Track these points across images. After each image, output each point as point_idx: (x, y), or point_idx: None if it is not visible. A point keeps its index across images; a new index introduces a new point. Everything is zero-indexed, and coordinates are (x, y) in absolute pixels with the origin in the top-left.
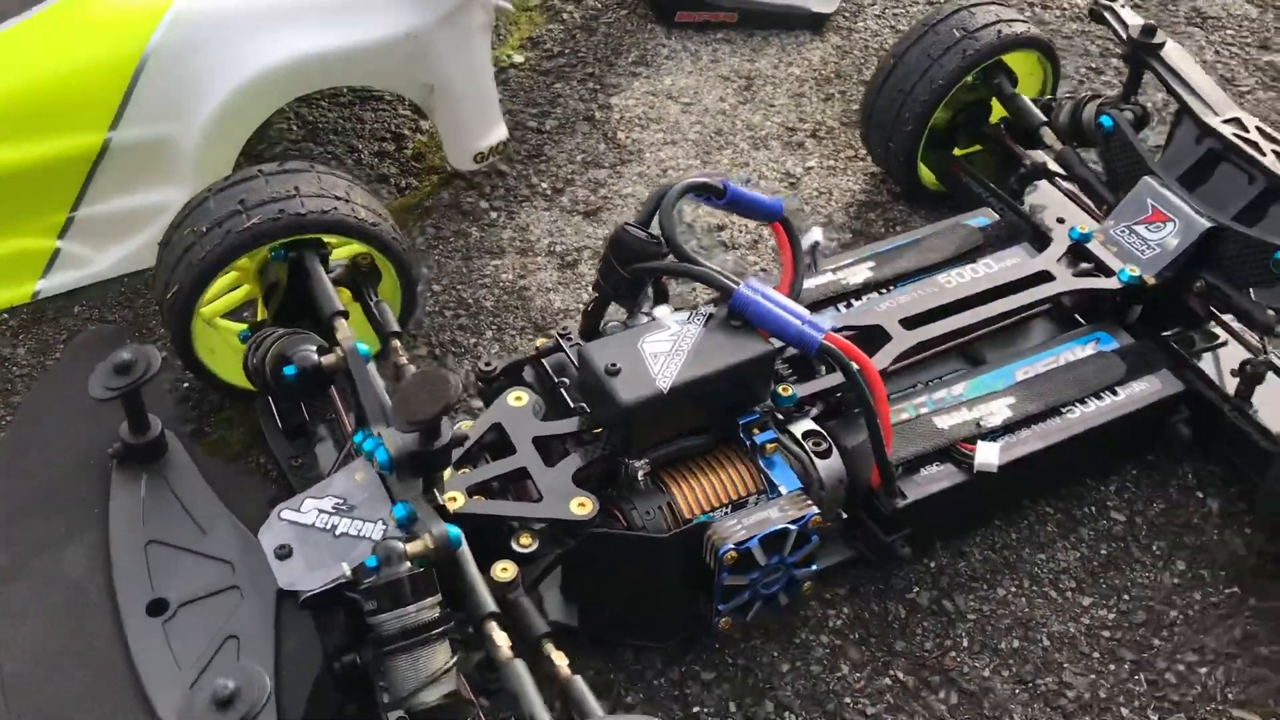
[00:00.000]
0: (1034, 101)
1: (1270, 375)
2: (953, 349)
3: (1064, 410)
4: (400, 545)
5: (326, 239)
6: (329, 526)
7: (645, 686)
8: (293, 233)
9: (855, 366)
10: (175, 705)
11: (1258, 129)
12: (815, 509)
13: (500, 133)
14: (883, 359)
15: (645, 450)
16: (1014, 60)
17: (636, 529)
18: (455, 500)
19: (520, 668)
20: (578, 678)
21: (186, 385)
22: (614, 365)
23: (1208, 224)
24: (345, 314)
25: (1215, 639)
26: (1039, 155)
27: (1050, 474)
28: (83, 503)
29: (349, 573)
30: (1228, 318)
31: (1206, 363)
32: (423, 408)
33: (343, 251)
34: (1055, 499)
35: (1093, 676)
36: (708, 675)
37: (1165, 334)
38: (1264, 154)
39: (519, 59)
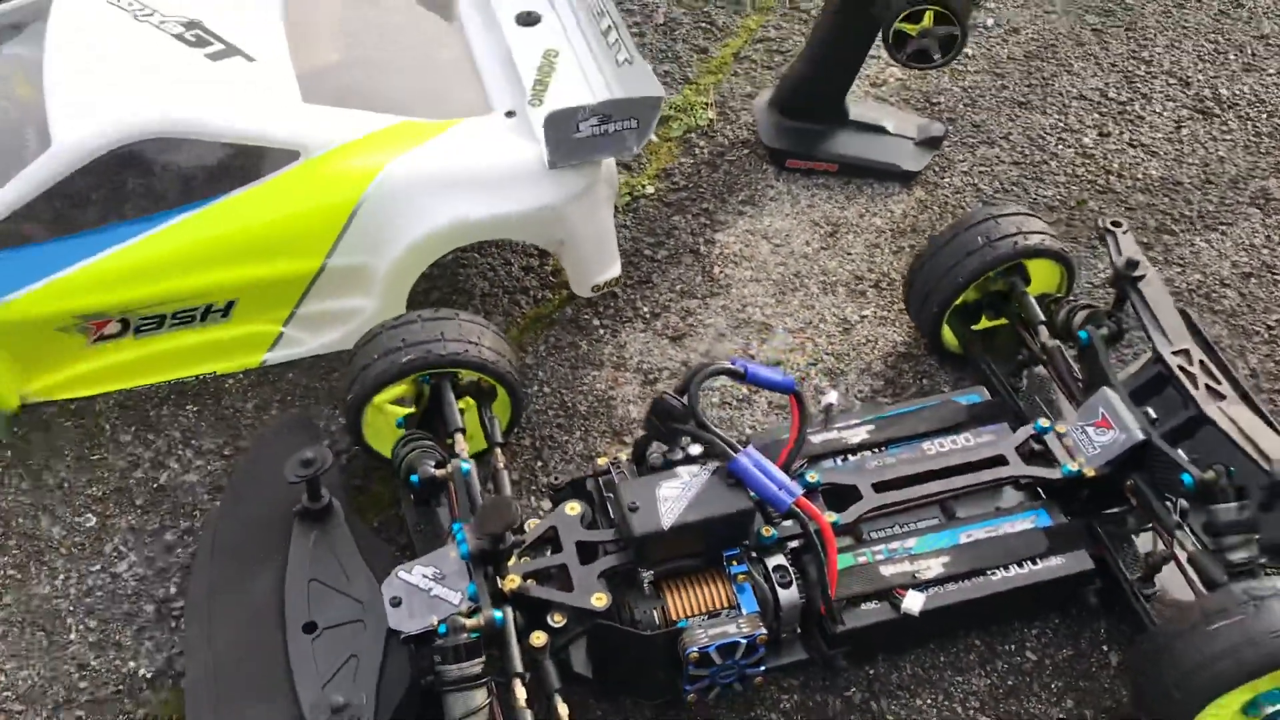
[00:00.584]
0: (1044, 297)
1: (1171, 565)
2: (921, 504)
3: (989, 572)
4: (463, 620)
5: (463, 371)
6: (427, 588)
7: None
8: (434, 367)
9: (814, 526)
10: (312, 701)
11: (1200, 363)
12: (763, 629)
13: (615, 270)
14: (849, 515)
15: (652, 565)
16: (1033, 263)
17: (634, 623)
18: (513, 582)
19: (527, 716)
20: None
21: (355, 453)
22: (634, 504)
23: (1140, 436)
24: (463, 430)
25: None
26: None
27: (970, 619)
28: (272, 547)
29: (435, 623)
30: None
31: (1140, 542)
32: (492, 525)
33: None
34: (985, 633)
35: None
36: None
37: (1109, 511)
38: (1197, 386)
39: (650, 189)
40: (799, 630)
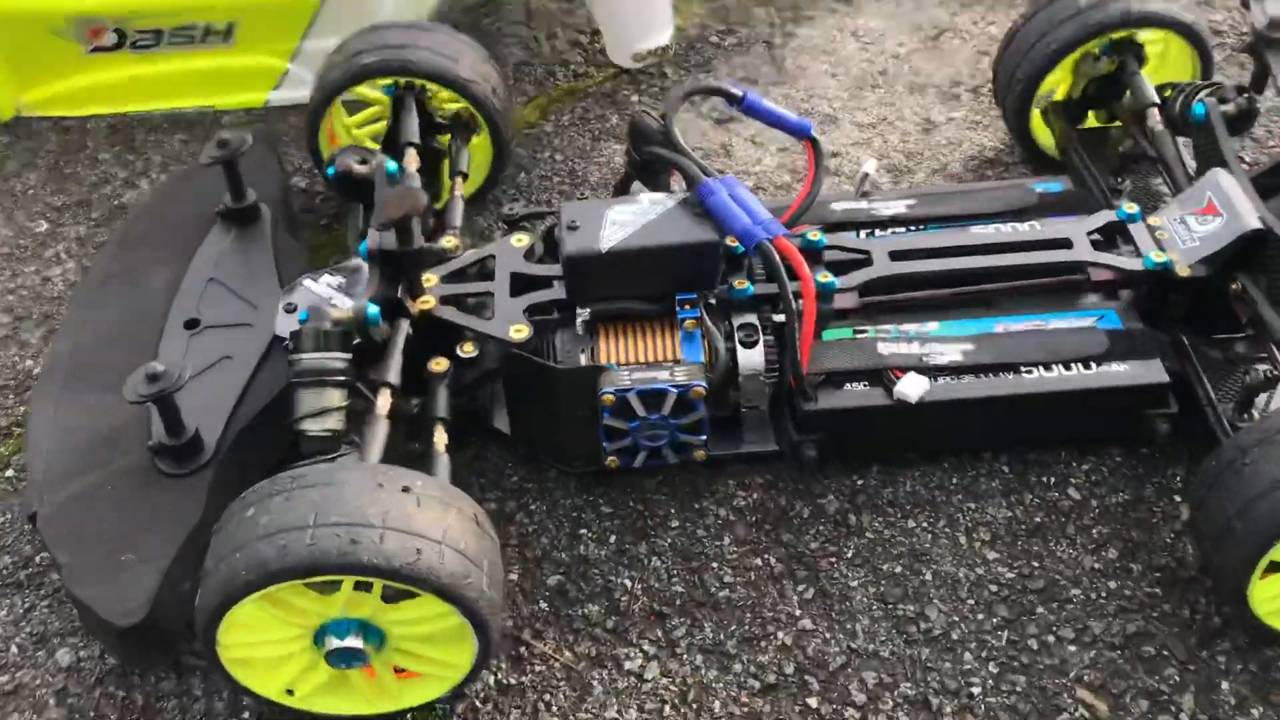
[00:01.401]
0: (1165, 86)
1: None
2: (959, 298)
3: (1021, 369)
4: (328, 309)
5: (431, 87)
6: (328, 296)
7: (550, 503)
8: (397, 74)
9: (782, 268)
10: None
11: None
12: (701, 382)
13: (663, 38)
14: (850, 279)
15: (590, 301)
16: (1157, 43)
17: (556, 360)
18: (427, 302)
19: (380, 425)
20: (444, 455)
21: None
22: (575, 222)
23: (1254, 224)
24: (418, 147)
25: (1104, 626)
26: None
27: (995, 430)
28: (187, 245)
29: None
30: None
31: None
32: (391, 210)
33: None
34: (1018, 459)
35: (955, 618)
36: (606, 509)
37: (1214, 337)
38: None
39: None
40: (764, 409)
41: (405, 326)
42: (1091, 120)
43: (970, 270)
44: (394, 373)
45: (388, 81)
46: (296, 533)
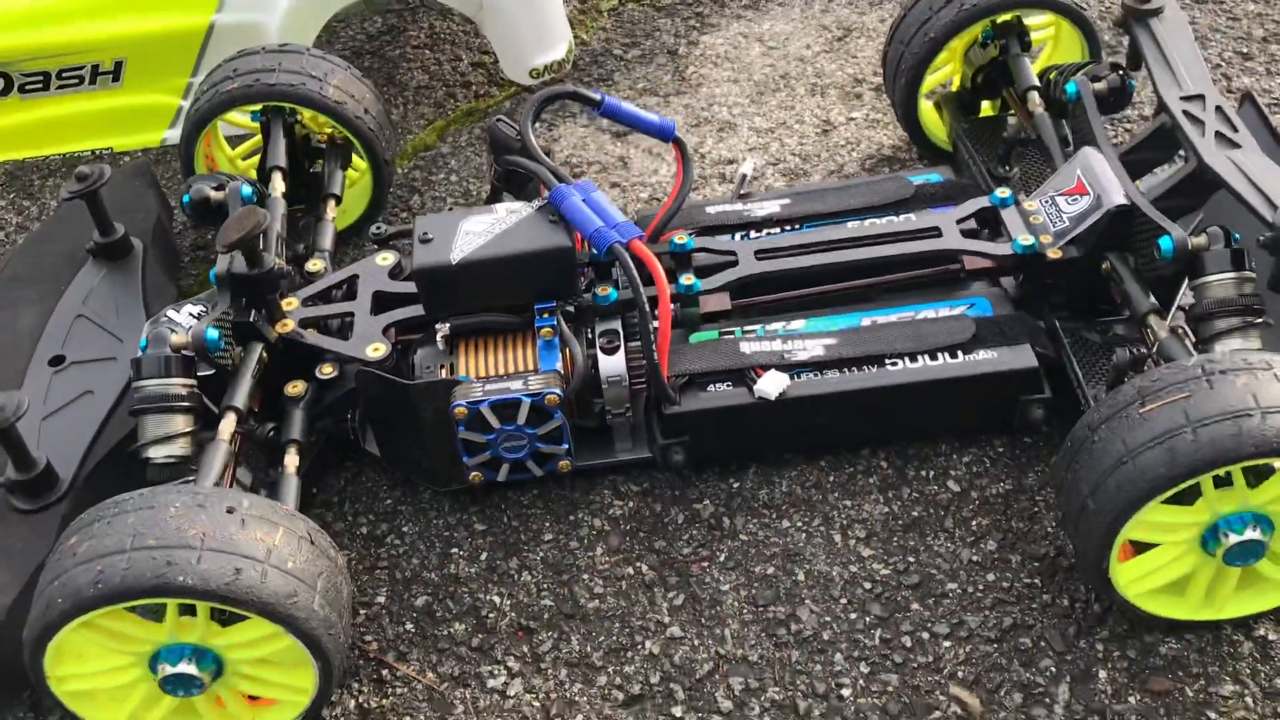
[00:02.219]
0: (1048, 69)
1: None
2: (831, 295)
3: (886, 362)
4: (168, 333)
5: (304, 111)
6: (188, 325)
7: (423, 523)
8: (262, 99)
9: (635, 271)
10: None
11: (1218, 109)
12: (555, 390)
13: (558, 52)
14: (715, 280)
15: (446, 314)
16: (1048, 27)
17: (414, 378)
18: (285, 326)
19: (219, 450)
20: (294, 478)
21: None
22: (427, 234)
23: (1120, 200)
24: (283, 170)
25: (980, 620)
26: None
27: (865, 426)
28: (59, 280)
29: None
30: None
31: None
32: (231, 233)
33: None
34: (898, 455)
35: (828, 619)
36: (480, 526)
37: (1094, 320)
38: (1204, 134)
39: None
40: (634, 417)
41: (258, 350)
42: (986, 110)
43: (839, 265)
44: (240, 397)
45: (256, 108)
46: (113, 557)
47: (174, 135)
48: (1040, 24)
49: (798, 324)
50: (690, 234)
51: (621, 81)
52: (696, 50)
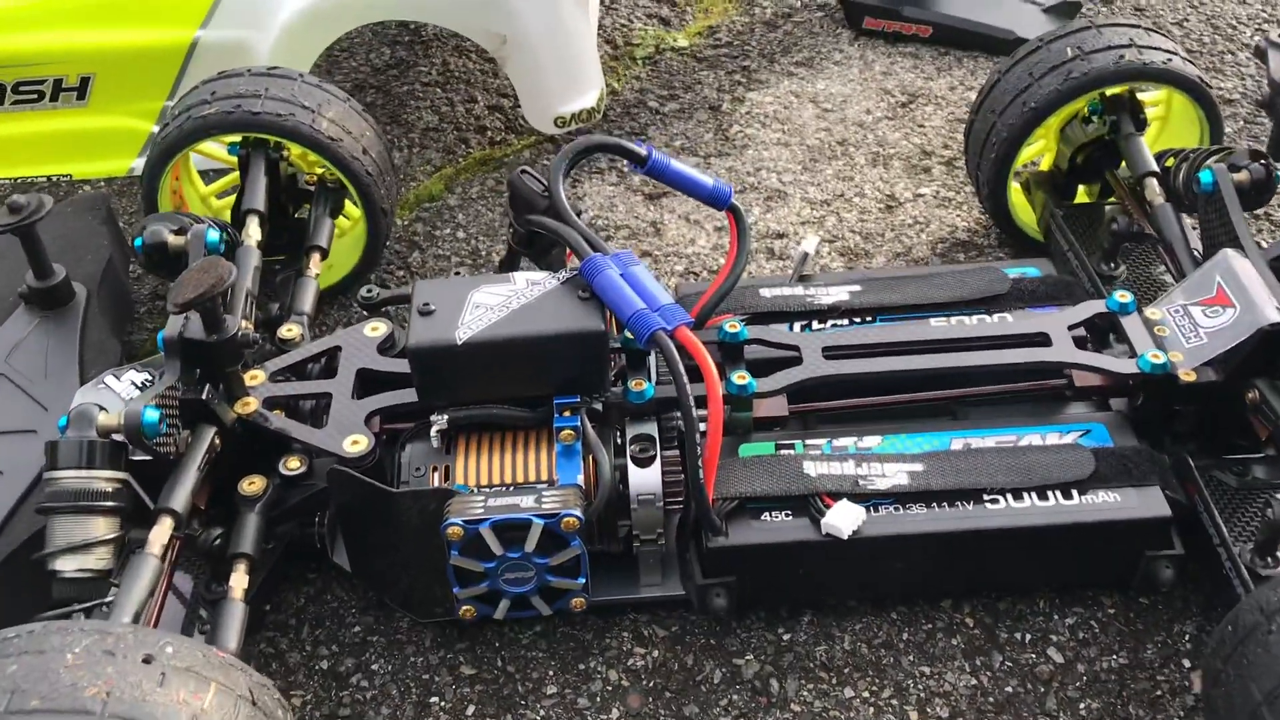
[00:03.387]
0: (1166, 153)
1: None
2: (909, 407)
3: (985, 498)
4: (95, 411)
5: (290, 145)
6: (129, 397)
7: (398, 661)
8: (243, 129)
9: (680, 366)
10: None
11: None
12: (574, 511)
13: (588, 99)
14: (775, 381)
15: (444, 403)
16: (1158, 105)
17: (400, 481)
18: (247, 405)
19: (146, 567)
20: (240, 604)
21: None
22: (429, 305)
23: (1274, 318)
24: (262, 215)
25: None
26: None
27: (950, 574)
28: None
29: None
30: None
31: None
32: (185, 291)
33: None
34: (985, 610)
35: None
36: (467, 670)
37: (1227, 458)
38: None
39: (683, 43)
40: (662, 543)
41: (209, 436)
42: (1082, 195)
43: (923, 372)
44: (181, 497)
45: (235, 139)
46: None
47: (143, 165)
48: (1151, 100)
49: (872, 441)
50: (742, 320)
51: (657, 137)
52: (742, 107)
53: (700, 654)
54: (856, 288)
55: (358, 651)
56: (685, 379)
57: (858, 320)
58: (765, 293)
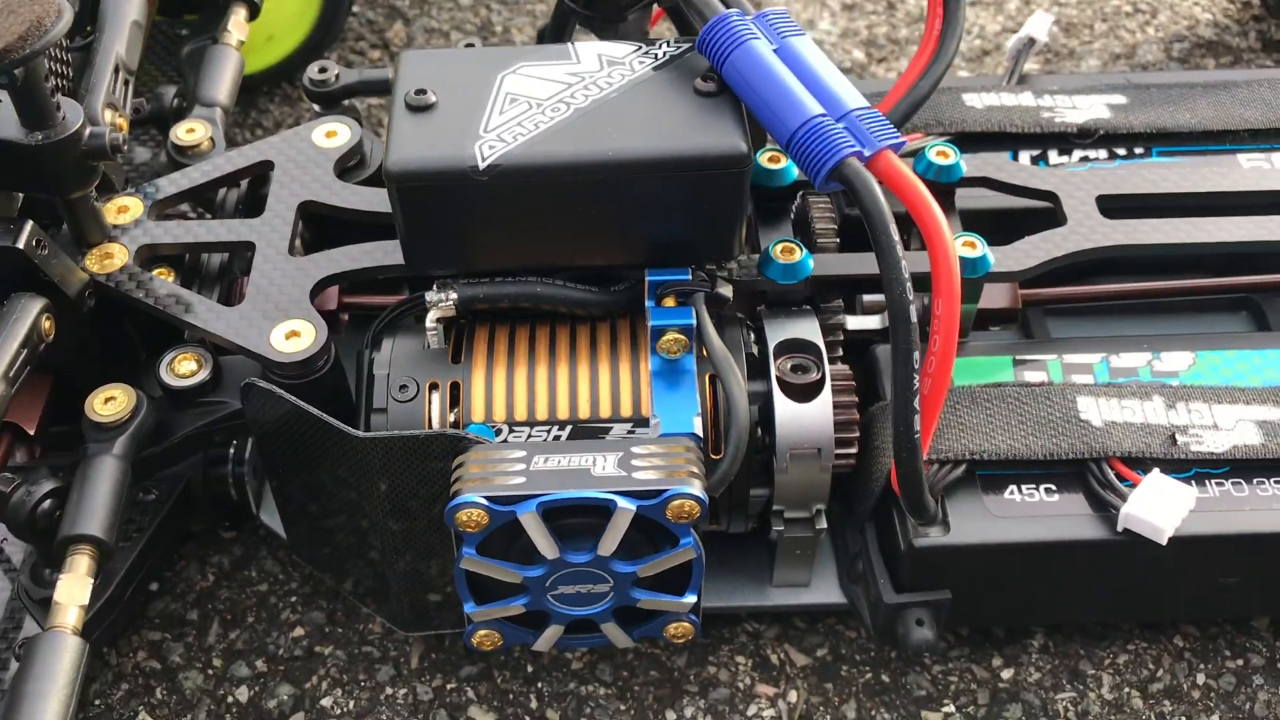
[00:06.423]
0: None
1: None
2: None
3: None
4: None
5: None
6: None
7: (366, 688)
8: None
9: (891, 219)
10: None
11: None
12: (693, 487)
13: None
14: (1021, 256)
15: (454, 276)
16: None
17: (371, 408)
18: (109, 260)
19: None
20: (74, 608)
21: None
22: (426, 94)
23: None
24: None
25: None
26: None
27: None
28: None
29: None
30: None
31: None
32: None
33: None
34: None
35: None
36: (483, 715)
37: None
38: None
39: None
40: (821, 526)
41: (32, 314)
42: None
43: (1256, 244)
44: None
45: None
46: None
47: None
48: None
49: (1178, 363)
50: (949, 143)
51: None
52: None
53: (866, 698)
54: (1119, 99)
55: (299, 673)
56: (899, 245)
57: (1122, 154)
58: (972, 100)
